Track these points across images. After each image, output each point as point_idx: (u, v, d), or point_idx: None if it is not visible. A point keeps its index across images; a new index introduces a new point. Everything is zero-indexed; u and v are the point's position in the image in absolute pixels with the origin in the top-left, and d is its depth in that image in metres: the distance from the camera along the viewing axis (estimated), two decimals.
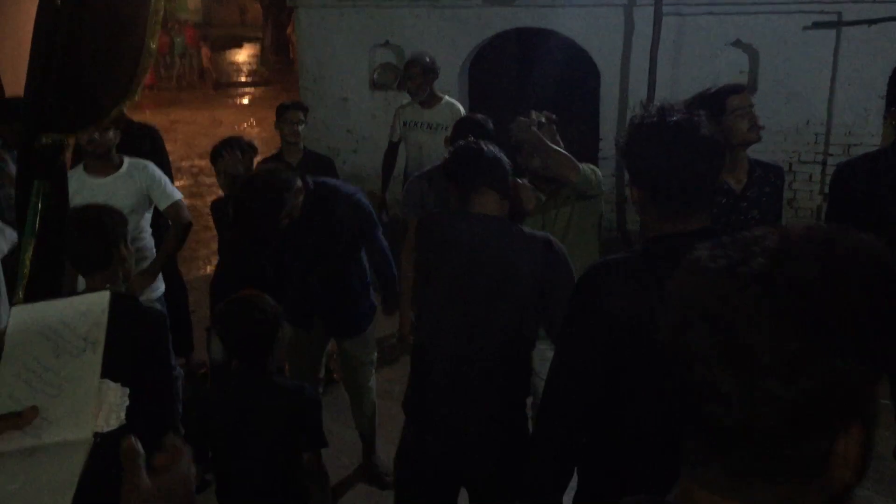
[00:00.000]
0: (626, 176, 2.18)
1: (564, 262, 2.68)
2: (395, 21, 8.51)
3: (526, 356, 2.79)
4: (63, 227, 2.67)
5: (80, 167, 4.19)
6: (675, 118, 1.93)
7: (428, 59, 5.67)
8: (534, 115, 3.69)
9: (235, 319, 2.84)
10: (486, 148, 2.85)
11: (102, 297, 1.24)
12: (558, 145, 3.66)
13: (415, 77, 5.63)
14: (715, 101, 3.09)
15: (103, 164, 4.15)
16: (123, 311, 2.90)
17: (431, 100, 5.68)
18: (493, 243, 2.67)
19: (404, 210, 4.33)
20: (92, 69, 1.96)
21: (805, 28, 7.33)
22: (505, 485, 2.53)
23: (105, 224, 2.88)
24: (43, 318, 1.21)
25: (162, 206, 4.31)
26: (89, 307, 1.22)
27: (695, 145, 1.90)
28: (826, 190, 7.42)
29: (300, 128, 5.17)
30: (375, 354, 4.23)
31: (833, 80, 7.38)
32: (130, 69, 1.92)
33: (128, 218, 3.13)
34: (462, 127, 4.29)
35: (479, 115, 4.51)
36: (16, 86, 5.50)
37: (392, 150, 6.13)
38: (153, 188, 4.26)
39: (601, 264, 2.09)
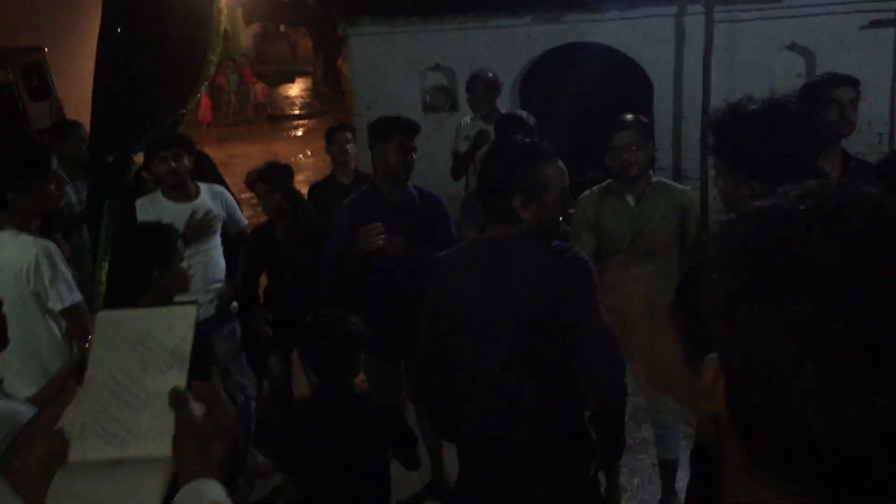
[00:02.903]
0: (712, 164, 2.18)
1: (580, 272, 2.38)
2: (444, 43, 8.59)
3: (566, 378, 2.46)
4: (134, 244, 2.76)
5: (158, 193, 4.23)
6: (771, 104, 2.07)
7: (491, 75, 5.74)
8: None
9: (324, 337, 2.81)
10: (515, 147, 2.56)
11: (189, 312, 1.22)
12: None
13: (478, 92, 5.68)
14: (817, 92, 3.42)
15: (180, 192, 4.22)
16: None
17: (494, 114, 5.70)
18: (498, 290, 2.39)
19: (462, 224, 4.27)
20: (151, 87, 2.03)
21: (862, 28, 7.17)
22: None
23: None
24: (130, 327, 1.21)
25: (233, 231, 4.44)
26: (176, 321, 1.21)
27: (794, 129, 2.01)
28: None
29: (349, 146, 5.30)
30: None
31: (894, 79, 7.20)
32: (189, 83, 1.99)
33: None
34: (504, 125, 4.23)
35: (522, 112, 4.49)
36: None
37: (464, 159, 5.75)
38: (231, 212, 4.42)
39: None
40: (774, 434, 0.74)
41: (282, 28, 32.08)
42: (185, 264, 3.10)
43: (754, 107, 2.07)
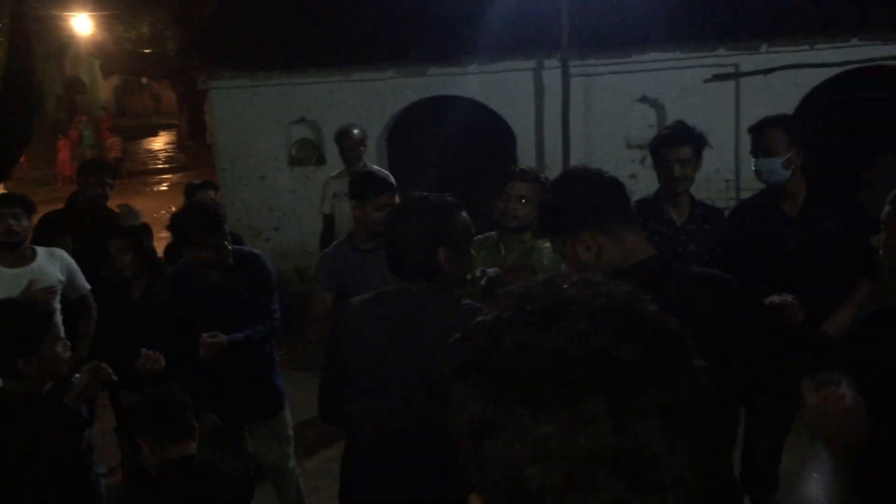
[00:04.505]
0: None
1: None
2: (309, 97, 8.54)
3: None
4: None
5: None
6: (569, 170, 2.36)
7: (357, 131, 5.70)
8: None
9: (150, 414, 2.66)
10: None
11: None
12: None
13: (350, 148, 5.64)
14: (658, 151, 3.69)
15: (16, 256, 3.95)
16: (43, 412, 2.74)
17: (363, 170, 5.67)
18: (406, 338, 2.31)
19: (315, 283, 3.93)
20: None
21: (706, 81, 7.62)
22: None
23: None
24: None
25: (73, 296, 4.17)
26: None
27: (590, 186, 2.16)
28: None
29: None
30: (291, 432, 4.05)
31: (737, 127, 7.66)
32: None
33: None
34: (363, 183, 4.00)
35: (377, 168, 4.43)
36: None
37: (328, 222, 5.85)
38: (71, 276, 4.16)
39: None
40: None
41: (144, 80, 31.23)
42: (59, 348, 2.83)
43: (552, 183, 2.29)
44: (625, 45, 7.62)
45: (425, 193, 2.52)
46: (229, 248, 3.57)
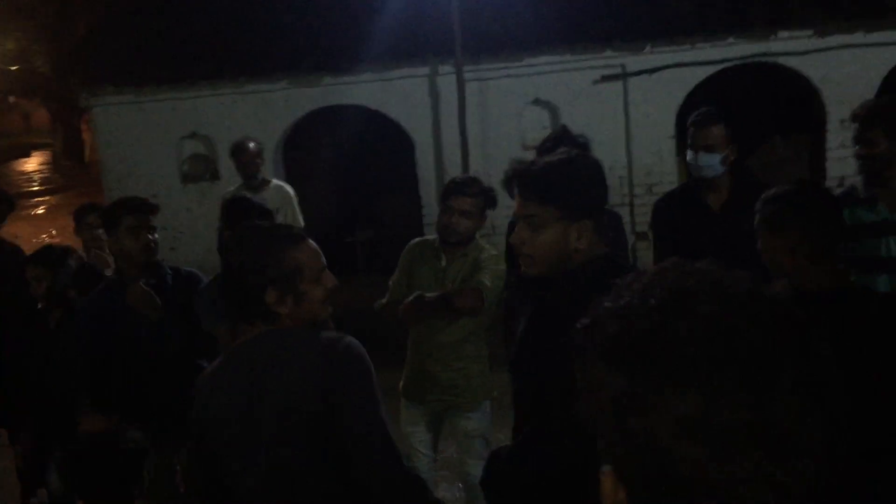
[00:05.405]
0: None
1: (353, 363, 2.06)
2: (199, 111, 8.31)
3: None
4: None
5: None
6: (576, 153, 2.20)
7: (253, 145, 5.61)
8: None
9: (92, 461, 2.44)
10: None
11: None
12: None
13: (247, 162, 5.54)
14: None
15: None
16: None
17: (262, 184, 5.56)
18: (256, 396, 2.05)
19: (203, 319, 3.58)
20: None
21: (595, 82, 7.85)
22: None
23: None
24: None
25: None
26: None
27: (599, 170, 2.18)
28: (637, 229, 7.91)
29: (101, 231, 4.85)
30: None
31: (627, 126, 7.93)
32: None
33: None
34: (233, 211, 3.76)
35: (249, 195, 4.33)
36: None
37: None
38: None
39: None
40: None
41: (11, 99, 29.62)
42: None
43: (563, 155, 2.10)
44: (516, 49, 7.76)
45: (259, 224, 2.31)
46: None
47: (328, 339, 2.09)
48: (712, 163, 3.57)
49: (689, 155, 3.65)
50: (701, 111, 3.71)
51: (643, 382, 0.74)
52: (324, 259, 2.19)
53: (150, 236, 3.57)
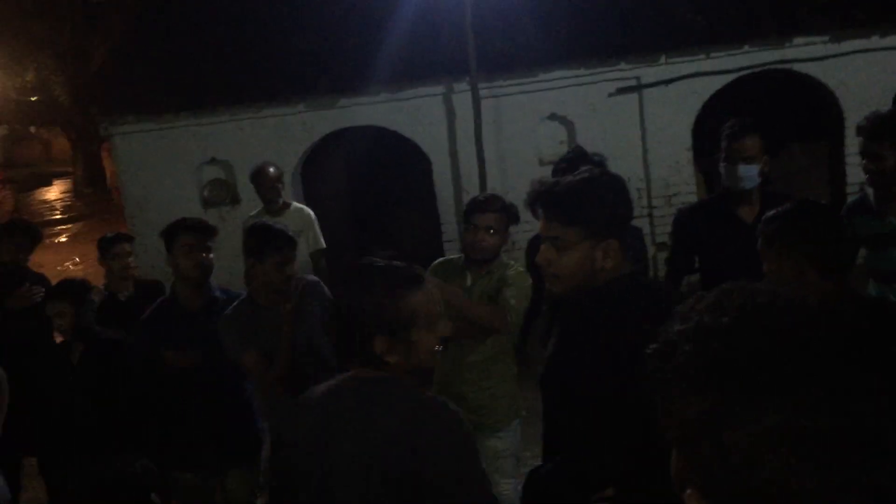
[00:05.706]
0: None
1: (449, 431, 1.91)
2: (218, 137, 8.39)
3: None
4: None
5: None
6: (599, 172, 2.17)
7: (273, 169, 5.65)
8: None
9: (111, 493, 2.41)
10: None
11: None
12: None
13: (268, 187, 5.58)
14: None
15: None
16: None
17: (282, 207, 5.61)
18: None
19: (228, 347, 3.50)
20: None
21: (610, 95, 7.86)
22: None
23: None
24: None
25: None
26: None
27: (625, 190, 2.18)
28: (657, 240, 7.89)
29: (131, 260, 4.90)
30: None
31: (643, 138, 7.92)
32: None
33: None
34: (263, 236, 3.62)
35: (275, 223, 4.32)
36: None
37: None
38: None
39: None
40: None
41: (32, 129, 30.01)
42: None
43: (586, 174, 2.07)
44: (530, 64, 7.79)
45: (374, 262, 2.05)
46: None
47: (430, 399, 1.98)
48: (751, 174, 3.49)
49: (723, 167, 3.56)
50: (735, 122, 3.61)
51: (732, 397, 0.77)
52: (441, 305, 2.05)
53: (205, 255, 3.63)
